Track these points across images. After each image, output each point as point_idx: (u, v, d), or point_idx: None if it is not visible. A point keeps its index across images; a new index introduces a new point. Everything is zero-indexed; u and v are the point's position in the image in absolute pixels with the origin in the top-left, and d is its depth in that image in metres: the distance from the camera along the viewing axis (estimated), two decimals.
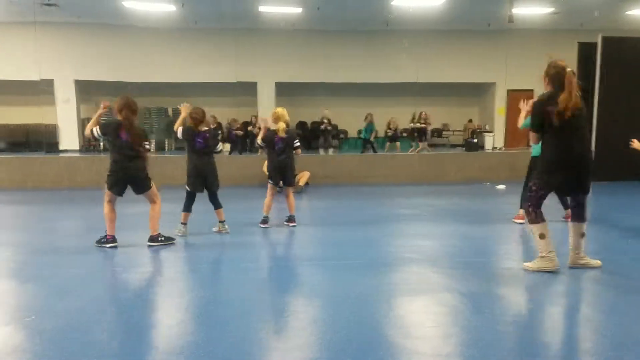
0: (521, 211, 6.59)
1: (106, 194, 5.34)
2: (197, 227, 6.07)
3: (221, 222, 6.08)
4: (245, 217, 6.74)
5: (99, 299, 3.83)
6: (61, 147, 17.71)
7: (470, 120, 20.11)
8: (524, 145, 15.79)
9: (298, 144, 6.49)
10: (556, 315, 3.52)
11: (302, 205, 8.63)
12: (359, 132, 17.94)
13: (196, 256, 5.32)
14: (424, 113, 16.44)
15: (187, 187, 6.00)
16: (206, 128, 6.18)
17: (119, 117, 5.27)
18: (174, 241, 5.51)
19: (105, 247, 5.29)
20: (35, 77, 17.32)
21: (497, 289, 4.01)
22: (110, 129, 5.30)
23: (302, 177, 10.28)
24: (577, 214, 4.42)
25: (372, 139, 16.21)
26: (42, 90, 17.66)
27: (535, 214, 4.35)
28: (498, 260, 5.01)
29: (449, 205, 8.13)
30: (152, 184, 5.46)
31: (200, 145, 5.91)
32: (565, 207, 6.00)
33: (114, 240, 5.35)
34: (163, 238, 5.46)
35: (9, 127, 18.42)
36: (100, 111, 5.55)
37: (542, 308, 3.63)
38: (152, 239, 5.41)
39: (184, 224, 5.97)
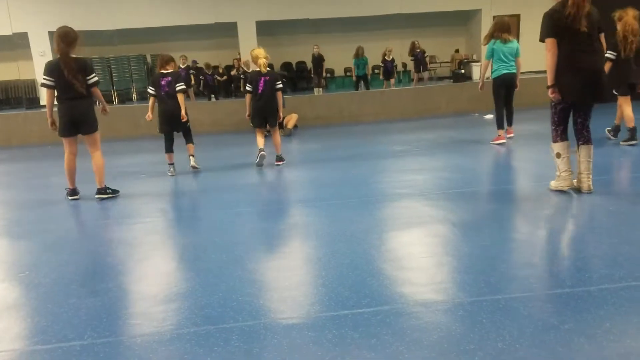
0: (499, 132, 7.06)
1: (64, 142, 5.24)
2: (187, 174, 6.03)
3: (191, 155, 6.45)
4: (234, 162, 6.70)
5: (93, 251, 3.83)
6: (42, 102, 17.33)
7: (457, 51, 19.79)
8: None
9: (280, 85, 6.50)
10: (547, 237, 3.57)
11: (292, 148, 8.57)
12: (345, 70, 17.41)
13: (188, 202, 5.31)
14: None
15: (158, 130, 6.35)
16: (170, 70, 6.29)
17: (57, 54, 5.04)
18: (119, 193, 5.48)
19: (68, 199, 5.33)
20: (7, 31, 16.71)
21: (488, 216, 4.05)
22: (54, 71, 5.03)
23: (290, 120, 10.13)
24: (587, 136, 4.37)
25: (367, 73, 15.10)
26: (17, 45, 17.09)
27: (556, 132, 4.38)
28: (489, 189, 5.04)
29: (439, 139, 8.09)
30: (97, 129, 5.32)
31: (164, 89, 6.14)
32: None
33: (74, 192, 5.38)
34: (110, 190, 5.40)
35: None
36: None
37: (533, 232, 3.66)
38: (100, 191, 5.34)
39: (171, 164, 6.27)
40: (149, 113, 6.30)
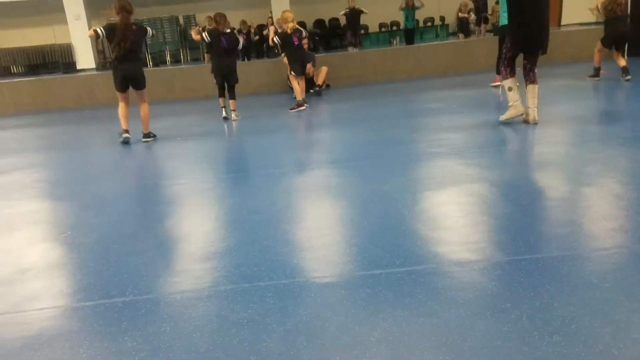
0: (497, 77, 7.83)
1: (119, 95, 6.12)
2: (220, 137, 6.06)
3: (233, 110, 7.41)
4: (265, 123, 6.69)
5: (132, 212, 3.92)
6: (78, 67, 17.57)
7: (497, 2, 18.97)
8: (554, 25, 14.94)
9: (304, 34, 8.17)
10: (588, 195, 3.44)
11: (324, 108, 8.49)
12: (380, 26, 16.77)
13: (221, 165, 5.35)
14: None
15: (214, 80, 7.44)
16: (228, 30, 7.34)
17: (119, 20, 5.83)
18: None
19: (122, 137, 6.19)
20: None
21: (526, 175, 3.94)
22: (112, 32, 5.88)
23: (320, 74, 9.72)
24: (533, 78, 5.37)
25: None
26: (52, 9, 17.24)
27: (506, 71, 5.46)
28: (527, 147, 4.89)
29: (477, 95, 7.87)
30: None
31: (223, 45, 7.09)
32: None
33: (126, 132, 6.23)
34: (152, 134, 6.41)
35: (26, 49, 18.25)
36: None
37: (574, 190, 3.55)
38: (146, 135, 6.35)
39: (223, 107, 7.48)
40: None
